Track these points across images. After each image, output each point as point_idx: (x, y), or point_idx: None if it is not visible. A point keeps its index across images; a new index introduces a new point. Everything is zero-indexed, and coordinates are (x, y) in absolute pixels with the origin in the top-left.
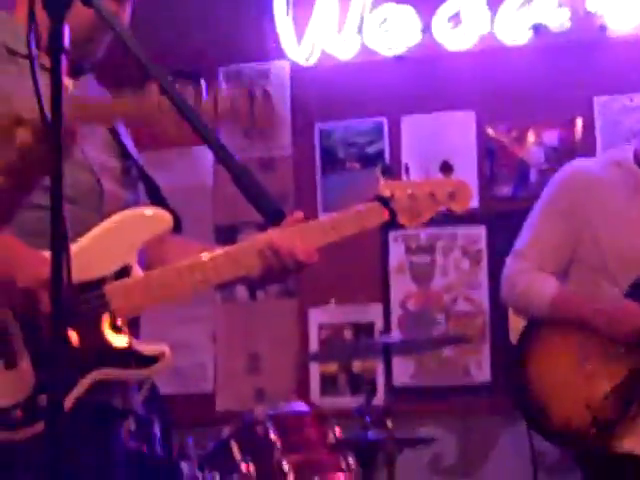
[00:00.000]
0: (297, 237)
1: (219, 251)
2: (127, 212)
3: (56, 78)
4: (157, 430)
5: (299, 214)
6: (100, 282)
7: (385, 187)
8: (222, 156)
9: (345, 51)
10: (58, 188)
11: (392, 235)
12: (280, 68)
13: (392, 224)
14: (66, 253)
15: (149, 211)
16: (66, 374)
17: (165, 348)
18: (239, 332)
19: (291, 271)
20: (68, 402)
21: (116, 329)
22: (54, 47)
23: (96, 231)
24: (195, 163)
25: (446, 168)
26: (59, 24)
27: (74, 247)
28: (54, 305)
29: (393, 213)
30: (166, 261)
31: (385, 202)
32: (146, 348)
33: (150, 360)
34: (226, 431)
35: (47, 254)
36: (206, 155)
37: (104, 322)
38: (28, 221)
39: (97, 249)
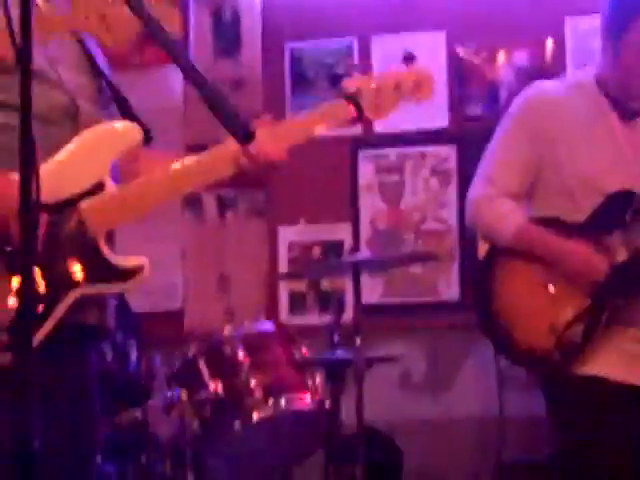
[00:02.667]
0: (268, 138)
1: (191, 158)
2: (97, 127)
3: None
4: (132, 350)
5: (267, 117)
6: (75, 199)
7: (349, 83)
8: (192, 76)
9: None
10: (27, 107)
11: (361, 154)
12: None
13: (359, 119)
14: (35, 174)
15: (119, 125)
16: (47, 294)
17: (144, 260)
18: (208, 251)
19: (263, 172)
20: (49, 323)
21: (94, 245)
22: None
23: (68, 148)
24: (165, 84)
25: (409, 59)
26: None
27: (45, 167)
28: (23, 230)
29: (359, 108)
30: (139, 174)
31: (350, 98)
32: (125, 261)
33: (128, 273)
34: (194, 349)
35: (15, 175)
36: (176, 75)
37: (83, 239)
38: None
39: (69, 167)
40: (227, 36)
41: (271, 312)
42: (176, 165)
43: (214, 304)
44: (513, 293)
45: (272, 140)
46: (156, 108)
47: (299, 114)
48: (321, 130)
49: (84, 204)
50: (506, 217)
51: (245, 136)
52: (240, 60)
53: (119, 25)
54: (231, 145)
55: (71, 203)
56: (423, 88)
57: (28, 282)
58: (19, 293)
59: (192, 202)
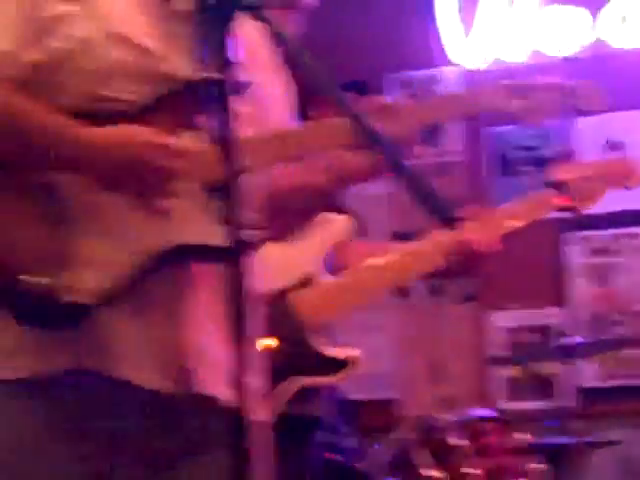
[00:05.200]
0: (477, 228)
1: (404, 249)
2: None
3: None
4: (349, 438)
5: (474, 208)
6: (286, 291)
7: (557, 171)
8: (394, 163)
9: (515, 54)
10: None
11: (569, 235)
12: (451, 73)
13: (569, 208)
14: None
15: (333, 217)
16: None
17: (357, 352)
18: (420, 338)
19: (472, 263)
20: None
21: (309, 337)
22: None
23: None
24: None
25: (616, 146)
26: (223, 37)
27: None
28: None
29: (568, 197)
30: (347, 265)
31: (559, 187)
32: (339, 353)
33: (343, 365)
34: (410, 437)
35: None
36: None
37: (295, 332)
38: None
39: (284, 256)
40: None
41: (485, 398)
42: (384, 258)
43: (427, 391)
44: None
45: (482, 230)
46: (362, 196)
47: (508, 204)
48: (529, 219)
49: (296, 297)
50: None
51: (450, 219)
52: (442, 145)
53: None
54: (440, 237)
55: (283, 295)
56: (633, 178)
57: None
58: None
59: (404, 290)
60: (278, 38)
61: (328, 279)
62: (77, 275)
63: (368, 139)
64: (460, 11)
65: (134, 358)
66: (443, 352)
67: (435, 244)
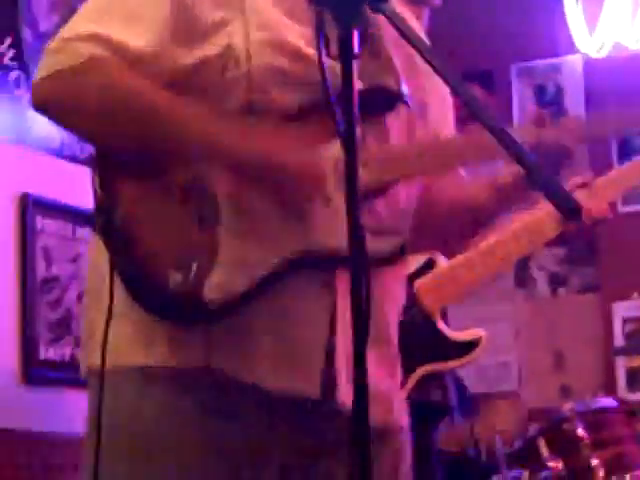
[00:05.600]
0: (586, 196)
1: (517, 224)
2: None
3: (348, 85)
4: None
5: (587, 175)
6: (409, 279)
7: None
8: (517, 153)
9: (638, 41)
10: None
11: None
12: (572, 62)
13: None
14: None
15: None
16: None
17: (481, 332)
18: (542, 329)
19: (586, 230)
20: None
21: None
22: (346, 54)
23: None
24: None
25: None
26: (349, 31)
27: None
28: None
29: None
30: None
31: None
32: (462, 336)
33: (468, 347)
34: (533, 428)
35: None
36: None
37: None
38: None
39: None
40: (551, 111)
41: (608, 388)
42: (497, 235)
43: (550, 382)
44: None
45: (592, 198)
46: None
47: (617, 169)
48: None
49: (418, 283)
50: None
51: (571, 211)
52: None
53: None
54: (550, 207)
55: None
56: None
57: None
58: None
59: (524, 280)
60: (407, 37)
61: (445, 262)
62: (220, 274)
63: (512, 151)
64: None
65: (269, 363)
66: (565, 342)
67: (547, 214)
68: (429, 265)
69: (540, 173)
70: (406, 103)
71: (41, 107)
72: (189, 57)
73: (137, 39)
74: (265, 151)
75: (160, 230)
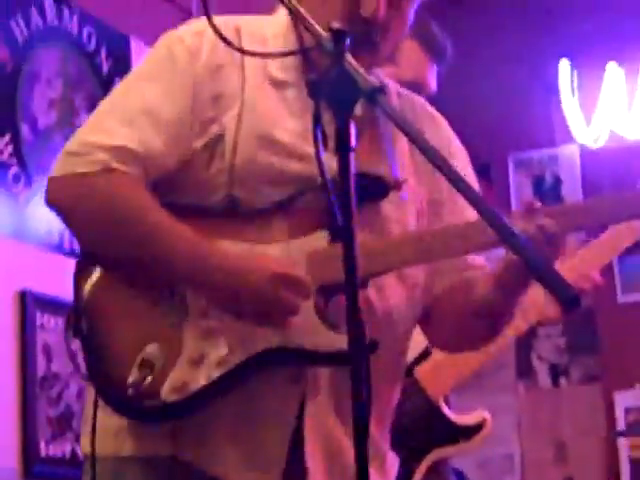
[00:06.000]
0: (568, 270)
1: None
2: None
3: (346, 179)
4: None
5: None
6: (410, 368)
7: None
8: (515, 244)
9: (635, 131)
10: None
11: None
12: (569, 152)
13: None
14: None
15: None
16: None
17: (485, 414)
18: (544, 420)
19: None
20: None
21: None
22: (342, 147)
23: None
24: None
25: None
26: (346, 124)
27: None
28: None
29: None
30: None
31: None
32: (468, 418)
33: (473, 430)
34: None
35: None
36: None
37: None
38: None
39: None
40: (548, 201)
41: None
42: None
43: (553, 474)
44: None
45: (575, 270)
46: None
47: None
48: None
49: (419, 371)
50: None
51: (570, 300)
52: None
53: None
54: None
55: (408, 374)
56: None
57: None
58: None
59: (525, 371)
60: (403, 130)
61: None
62: (180, 373)
63: (509, 241)
64: (580, 89)
65: (233, 459)
66: (568, 433)
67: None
68: (428, 352)
69: (537, 262)
70: (398, 190)
71: (51, 203)
72: (183, 153)
73: (151, 143)
74: (247, 267)
75: (126, 329)
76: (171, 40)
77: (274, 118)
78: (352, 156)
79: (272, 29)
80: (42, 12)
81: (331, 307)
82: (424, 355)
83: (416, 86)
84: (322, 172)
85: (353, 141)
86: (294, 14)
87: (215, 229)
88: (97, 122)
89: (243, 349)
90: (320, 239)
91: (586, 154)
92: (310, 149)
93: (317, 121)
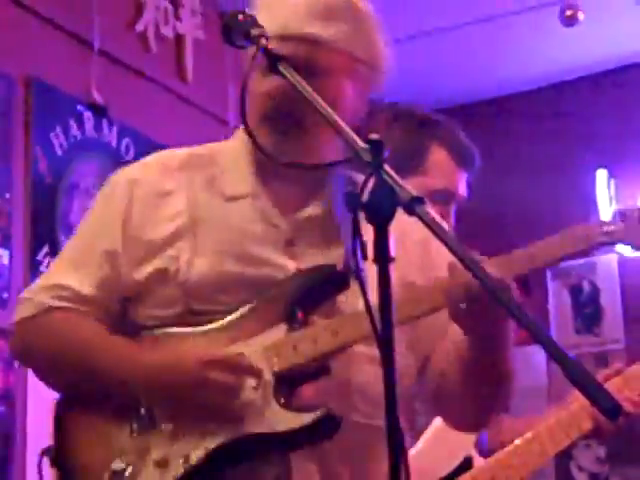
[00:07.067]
0: (622, 387)
1: (549, 420)
2: None
3: (385, 288)
4: None
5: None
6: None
7: None
8: (555, 353)
9: None
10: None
11: None
12: (607, 261)
13: None
14: (405, 463)
15: None
16: None
17: None
18: None
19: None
20: None
21: None
22: (381, 258)
23: (434, 428)
24: (529, 362)
25: None
26: (385, 234)
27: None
28: None
29: None
30: (504, 446)
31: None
32: None
33: None
34: None
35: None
36: (539, 354)
37: None
38: None
39: (437, 445)
40: (587, 310)
41: None
42: (533, 431)
43: None
44: None
45: (624, 388)
46: (520, 387)
47: None
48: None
49: None
50: None
51: (613, 411)
52: (601, 334)
53: None
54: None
55: None
56: None
57: None
58: None
59: (564, 473)
60: (437, 233)
61: (481, 462)
62: (149, 476)
63: (529, 329)
64: (617, 198)
65: None
66: None
67: (582, 407)
68: (466, 464)
69: (577, 369)
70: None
71: (11, 352)
72: (140, 274)
73: (88, 284)
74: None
75: (94, 444)
76: (110, 180)
77: (226, 231)
78: (391, 267)
79: (225, 151)
80: (81, 124)
81: (296, 395)
82: (465, 467)
83: (447, 194)
84: (362, 284)
85: (392, 251)
86: (334, 127)
87: (177, 340)
88: (49, 269)
89: (202, 446)
90: (277, 331)
91: (624, 262)
92: (264, 254)
93: (356, 233)
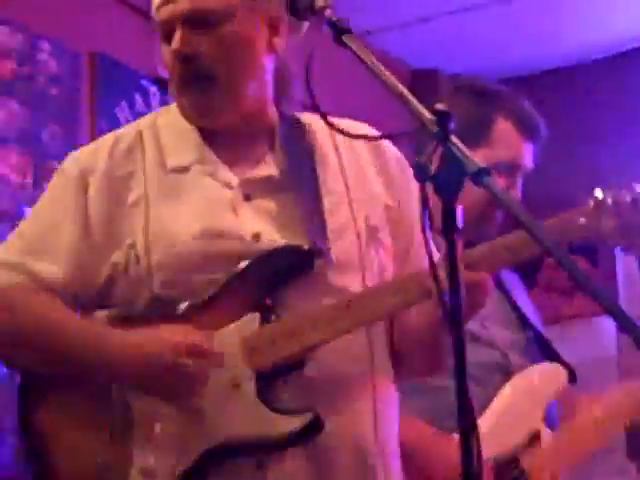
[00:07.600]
0: None
1: (622, 393)
2: (525, 373)
3: (452, 259)
4: None
5: None
6: (516, 452)
7: None
8: (624, 323)
9: None
10: (462, 369)
11: None
12: None
13: None
14: (476, 437)
15: (544, 367)
16: None
17: None
18: None
19: None
20: None
21: None
22: (449, 228)
23: (503, 396)
24: (598, 333)
25: None
26: (452, 205)
27: (483, 421)
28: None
29: None
30: (575, 416)
31: None
32: None
33: None
34: None
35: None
36: (609, 325)
37: None
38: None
39: (507, 416)
40: None
41: None
42: (603, 406)
43: None
44: None
45: None
46: (590, 358)
47: None
48: None
49: (526, 461)
50: None
51: None
52: None
53: None
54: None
55: (513, 460)
56: None
57: None
58: None
59: (637, 453)
60: (501, 202)
61: (550, 436)
62: None
63: (599, 299)
64: None
65: None
66: None
67: (626, 394)
68: (535, 438)
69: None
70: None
71: None
72: (106, 268)
73: (49, 270)
74: (149, 339)
75: (76, 452)
76: (63, 164)
77: (179, 206)
78: (459, 237)
79: (164, 119)
80: (146, 98)
81: (277, 390)
82: (532, 440)
83: (513, 166)
84: (430, 255)
85: (459, 223)
86: (398, 96)
87: (146, 326)
88: (6, 244)
89: (187, 454)
90: (251, 322)
91: None
92: (222, 225)
93: (425, 205)
